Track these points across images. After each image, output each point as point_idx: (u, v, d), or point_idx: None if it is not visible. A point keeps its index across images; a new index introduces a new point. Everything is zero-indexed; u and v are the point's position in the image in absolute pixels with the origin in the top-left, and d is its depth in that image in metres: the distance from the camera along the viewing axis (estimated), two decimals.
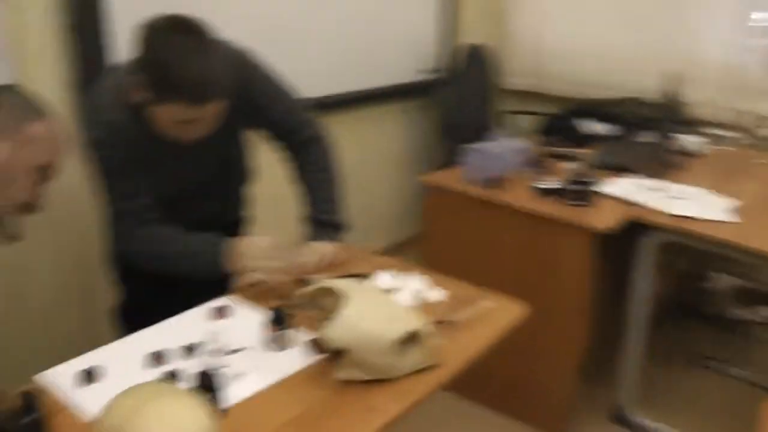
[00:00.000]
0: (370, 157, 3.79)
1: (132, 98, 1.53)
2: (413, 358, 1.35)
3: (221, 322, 1.55)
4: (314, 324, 1.42)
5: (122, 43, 1.47)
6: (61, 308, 2.42)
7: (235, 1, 2.75)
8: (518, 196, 2.43)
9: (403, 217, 4.06)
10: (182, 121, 1.51)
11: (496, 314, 1.61)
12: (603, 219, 2.23)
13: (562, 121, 3.10)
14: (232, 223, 2.06)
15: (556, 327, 2.42)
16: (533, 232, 2.38)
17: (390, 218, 4.05)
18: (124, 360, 1.38)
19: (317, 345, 1.35)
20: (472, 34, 4.11)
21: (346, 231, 1.91)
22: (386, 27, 3.60)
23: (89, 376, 1.30)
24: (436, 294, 1.68)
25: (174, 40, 1.44)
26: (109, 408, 0.99)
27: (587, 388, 2.68)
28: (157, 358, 1.38)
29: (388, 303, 1.39)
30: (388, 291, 1.66)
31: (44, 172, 1.41)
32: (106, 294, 2.03)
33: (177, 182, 1.76)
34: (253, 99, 1.76)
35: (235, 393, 1.29)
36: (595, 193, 2.37)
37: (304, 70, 3.08)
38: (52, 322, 2.39)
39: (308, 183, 1.91)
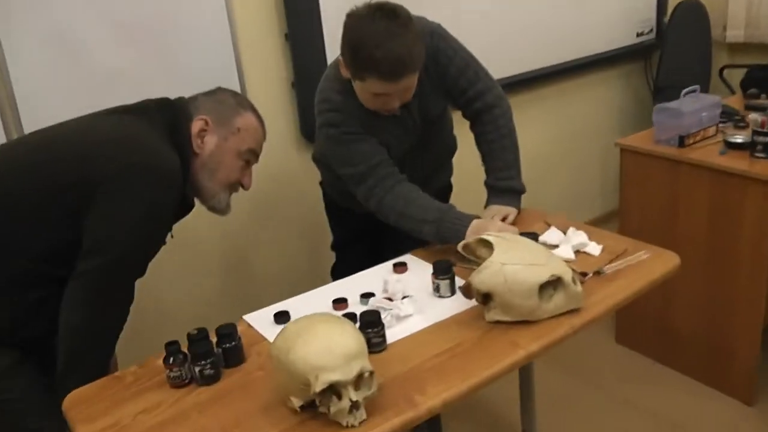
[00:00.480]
0: (580, 128, 3.82)
1: (343, 75, 1.79)
2: (556, 303, 1.47)
3: (398, 275, 1.78)
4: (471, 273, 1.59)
5: (334, 45, 1.74)
6: (292, 266, 2.83)
7: None
8: (707, 153, 2.38)
9: (614, 186, 4.02)
10: (378, 94, 1.75)
11: (649, 265, 1.66)
12: None
13: (762, 72, 2.92)
14: (437, 190, 2.18)
15: (742, 287, 2.36)
16: (721, 188, 2.32)
17: (601, 188, 4.04)
18: (313, 305, 1.65)
19: (467, 290, 1.52)
20: None
21: (523, 195, 2.04)
22: None
23: (282, 317, 1.60)
24: (595, 248, 1.76)
25: (367, 22, 1.66)
26: (284, 330, 1.26)
27: None
28: (339, 303, 1.64)
29: (534, 251, 1.50)
30: (550, 246, 1.78)
31: (249, 157, 1.72)
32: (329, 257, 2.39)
33: (387, 149, 1.93)
34: (443, 69, 1.92)
35: (397, 332, 1.51)
36: None
37: (516, 47, 3.24)
38: (281, 278, 2.80)
39: (488, 148, 2.03)
